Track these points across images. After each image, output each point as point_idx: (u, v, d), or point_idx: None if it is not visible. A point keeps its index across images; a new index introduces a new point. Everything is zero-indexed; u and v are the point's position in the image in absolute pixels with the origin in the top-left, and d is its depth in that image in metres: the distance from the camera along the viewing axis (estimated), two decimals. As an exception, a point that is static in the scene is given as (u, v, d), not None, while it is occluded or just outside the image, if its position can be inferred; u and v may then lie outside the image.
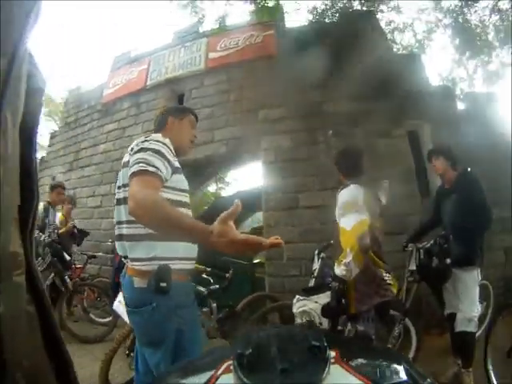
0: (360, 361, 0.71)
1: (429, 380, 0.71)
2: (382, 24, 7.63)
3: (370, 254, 2.38)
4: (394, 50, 8.07)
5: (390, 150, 4.58)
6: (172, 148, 1.70)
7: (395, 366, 0.72)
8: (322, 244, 3.78)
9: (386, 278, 2.42)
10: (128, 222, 1.65)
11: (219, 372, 0.65)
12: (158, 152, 1.61)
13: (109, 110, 7.68)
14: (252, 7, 6.47)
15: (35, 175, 0.65)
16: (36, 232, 4.82)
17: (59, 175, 8.03)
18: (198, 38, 6.68)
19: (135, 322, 1.73)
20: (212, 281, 3.78)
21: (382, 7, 8.45)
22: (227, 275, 3.82)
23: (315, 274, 3.53)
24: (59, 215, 5.45)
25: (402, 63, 4.97)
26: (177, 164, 1.71)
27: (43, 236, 4.85)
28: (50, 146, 9.31)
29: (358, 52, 4.77)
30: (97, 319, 5.24)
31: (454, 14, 8.20)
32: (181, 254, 1.68)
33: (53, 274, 4.88)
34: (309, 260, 4.01)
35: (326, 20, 6.36)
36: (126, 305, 1.73)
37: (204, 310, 3.63)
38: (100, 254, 6.41)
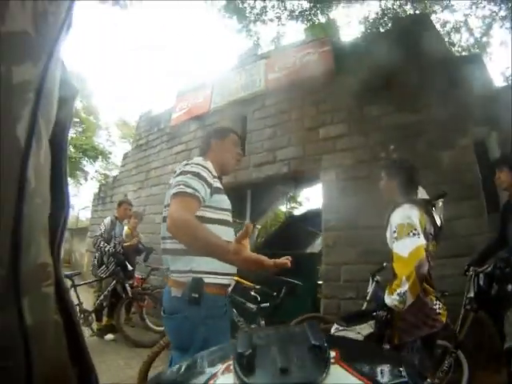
0: (360, 361, 0.68)
1: (429, 380, 0.69)
2: (438, 26, 7.22)
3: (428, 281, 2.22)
4: (453, 51, 7.64)
5: (454, 162, 4.27)
6: (212, 170, 1.84)
7: (395, 366, 0.69)
8: (377, 266, 3.61)
9: (436, 307, 2.22)
10: (170, 237, 1.78)
11: (219, 372, 0.64)
12: (197, 175, 1.76)
13: (177, 132, 8.13)
14: (305, 25, 6.55)
15: (65, 186, 0.65)
16: (102, 243, 5.17)
17: (130, 193, 8.65)
18: (257, 60, 6.88)
19: (168, 327, 1.91)
20: (259, 299, 3.81)
21: (435, 8, 8.00)
22: (275, 294, 3.82)
23: (368, 298, 3.43)
24: (126, 229, 5.80)
25: (462, 66, 4.64)
26: (217, 185, 1.85)
27: (108, 247, 5.19)
28: (122, 165, 10.12)
29: (416, 58, 4.59)
30: (152, 326, 5.50)
31: (510, 4, 7.46)
32: (216, 269, 1.77)
33: (114, 282, 5.19)
34: (366, 282, 3.84)
35: (380, 29, 6.23)
36: (163, 311, 1.89)
37: (252, 326, 3.66)
38: (163, 267, 6.66)
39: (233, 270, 1.86)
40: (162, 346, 3.19)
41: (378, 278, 3.43)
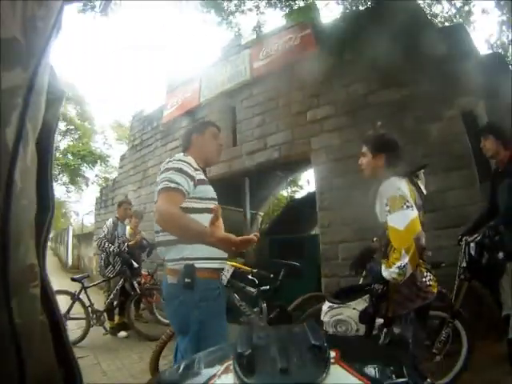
0: (360, 361, 0.72)
1: (428, 380, 0.76)
2: None
3: None
4: (436, 23, 7.53)
5: (442, 134, 4.28)
6: (193, 163, 2.00)
7: (395, 366, 0.73)
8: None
9: (427, 278, 2.23)
10: (162, 230, 1.97)
11: (219, 372, 0.65)
12: (179, 170, 1.93)
13: (169, 129, 8.21)
14: (284, 12, 6.54)
15: (51, 187, 0.65)
16: (106, 244, 5.31)
17: (130, 193, 8.76)
18: (241, 51, 6.90)
19: (168, 313, 2.07)
20: (258, 282, 3.93)
21: None
22: (272, 276, 3.93)
23: (364, 273, 3.41)
24: (128, 228, 5.94)
25: (446, 37, 4.61)
26: (200, 177, 2.00)
27: (112, 247, 5.33)
28: (120, 167, 10.22)
29: (398, 34, 4.54)
30: (163, 320, 5.61)
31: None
32: (206, 255, 1.91)
33: (122, 280, 5.33)
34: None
35: (360, 7, 6.17)
36: (163, 299, 2.07)
37: (255, 309, 3.77)
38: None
39: (223, 254, 1.98)
40: (169, 335, 3.30)
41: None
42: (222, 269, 2.07)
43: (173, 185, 1.85)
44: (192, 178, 1.93)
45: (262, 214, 12.08)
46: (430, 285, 2.22)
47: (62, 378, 0.62)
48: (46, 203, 0.62)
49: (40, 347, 0.57)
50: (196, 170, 1.99)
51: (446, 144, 4.26)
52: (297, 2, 6.52)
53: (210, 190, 2.07)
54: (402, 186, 2.15)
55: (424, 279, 2.21)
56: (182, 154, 2.14)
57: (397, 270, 2.04)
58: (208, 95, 7.34)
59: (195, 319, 1.82)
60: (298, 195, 15.64)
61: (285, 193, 14.26)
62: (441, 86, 4.35)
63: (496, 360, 3.02)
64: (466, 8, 7.93)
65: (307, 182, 14.56)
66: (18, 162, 0.49)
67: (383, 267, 2.15)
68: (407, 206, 2.05)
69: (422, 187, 2.32)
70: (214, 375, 0.65)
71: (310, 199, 8.49)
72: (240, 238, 1.75)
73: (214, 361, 0.74)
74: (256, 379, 0.57)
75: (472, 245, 2.90)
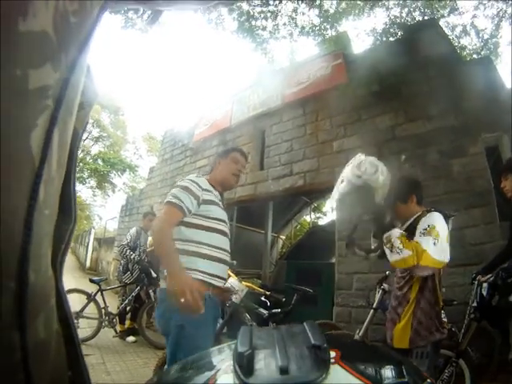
0: (360, 361, 0.72)
1: (428, 380, 0.72)
2: (447, 30, 7.08)
3: (436, 289, 2.27)
4: (464, 55, 7.43)
5: (465, 170, 4.25)
6: (203, 184, 2.14)
7: (395, 366, 0.73)
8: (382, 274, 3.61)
9: (443, 315, 2.30)
10: None
11: (219, 372, 0.65)
12: (184, 188, 2.07)
13: (199, 147, 8.42)
14: (317, 41, 6.71)
15: (74, 198, 0.62)
16: (128, 251, 5.48)
17: (156, 205, 8.91)
18: (273, 76, 7.04)
19: (156, 315, 2.17)
20: (269, 304, 3.98)
21: (442, 11, 7.81)
22: (283, 300, 3.98)
23: (375, 306, 3.44)
24: (150, 239, 6.09)
25: (472, 70, 4.61)
26: (208, 197, 2.13)
27: (134, 255, 5.50)
28: (148, 179, 10.51)
29: (427, 65, 4.61)
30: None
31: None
32: (198, 267, 2.00)
33: (138, 288, 5.47)
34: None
35: (390, 38, 6.26)
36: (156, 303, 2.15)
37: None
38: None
39: (217, 271, 2.09)
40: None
41: (384, 286, 3.42)
42: (213, 284, 2.07)
43: (175, 200, 2.01)
44: (197, 197, 2.06)
45: (283, 237, 12.09)
46: (445, 321, 2.32)
47: (70, 381, 0.60)
48: (67, 214, 0.59)
49: (55, 356, 0.54)
50: (205, 190, 2.13)
51: (469, 180, 4.21)
52: (329, 31, 6.69)
53: (218, 211, 2.18)
54: (443, 224, 2.23)
55: (443, 315, 2.28)
56: (194, 174, 2.32)
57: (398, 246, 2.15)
58: (239, 118, 7.50)
59: (175, 323, 1.90)
60: (321, 222, 15.66)
61: (308, 218, 14.23)
62: (466, 120, 4.34)
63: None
64: (494, 40, 7.89)
65: (331, 210, 14.47)
66: (43, 170, 0.45)
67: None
68: (435, 243, 2.12)
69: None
70: (214, 375, 0.64)
71: (332, 227, 8.49)
72: (194, 296, 1.80)
73: (213, 361, 0.76)
74: (256, 379, 0.57)
75: (484, 285, 2.88)
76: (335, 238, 5.42)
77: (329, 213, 16.07)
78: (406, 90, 4.97)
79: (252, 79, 7.81)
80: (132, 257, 5.52)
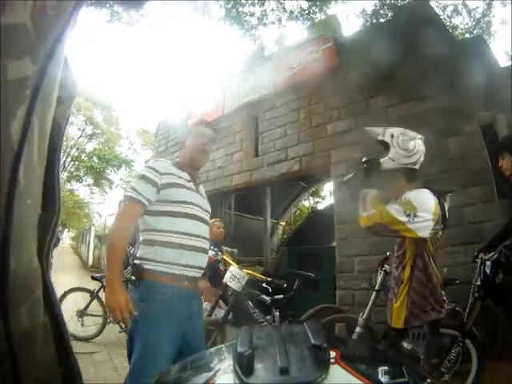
0: (360, 361, 0.73)
1: (428, 380, 0.73)
2: (438, 10, 6.99)
3: (433, 266, 2.24)
4: (456, 35, 7.35)
5: (461, 149, 4.25)
6: (161, 168, 2.00)
7: (395, 366, 0.73)
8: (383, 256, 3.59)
9: (442, 293, 2.25)
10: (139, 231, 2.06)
11: (219, 372, 0.65)
12: (142, 177, 1.98)
13: (193, 137, 8.30)
14: (306, 25, 6.64)
15: (58, 188, 0.62)
16: (132, 248, 5.47)
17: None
18: (263, 63, 7.02)
19: None
20: (271, 290, 3.99)
21: None
22: (285, 285, 3.99)
23: (377, 287, 3.44)
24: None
25: (465, 50, 4.58)
26: (169, 180, 1.99)
27: (132, 249, 5.49)
28: None
29: (419, 47, 4.56)
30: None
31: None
32: (164, 259, 1.91)
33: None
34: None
35: (381, 20, 6.19)
36: None
37: (267, 317, 3.83)
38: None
39: (188, 261, 1.96)
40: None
41: (386, 267, 3.42)
42: (178, 275, 1.94)
43: (132, 193, 1.92)
44: (155, 183, 1.95)
45: (283, 223, 12.10)
46: (444, 300, 2.25)
47: (61, 376, 0.61)
48: (51, 205, 0.60)
49: (42, 348, 0.55)
50: (164, 174, 1.99)
51: (465, 159, 4.21)
52: (318, 15, 6.62)
53: (182, 193, 2.03)
54: (430, 200, 2.18)
55: (440, 293, 2.24)
56: (153, 160, 2.23)
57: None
58: (231, 106, 7.46)
59: (133, 317, 1.84)
60: (320, 206, 15.67)
61: (307, 203, 14.25)
62: (460, 99, 4.31)
63: (509, 381, 2.92)
64: (486, 19, 7.84)
65: (329, 193, 14.53)
66: (22, 158, 0.46)
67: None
68: (408, 215, 2.09)
69: (446, 208, 2.35)
70: (214, 375, 0.65)
71: (330, 211, 8.50)
72: (121, 313, 1.77)
73: (213, 361, 0.75)
74: (256, 379, 0.58)
75: (488, 263, 2.85)
76: (334, 221, 5.42)
77: (327, 197, 16.15)
78: (398, 72, 4.92)
79: (242, 67, 7.73)
80: (131, 251, 5.50)
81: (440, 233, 2.33)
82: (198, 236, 2.03)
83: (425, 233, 2.14)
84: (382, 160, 2.34)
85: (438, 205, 2.23)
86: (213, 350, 0.87)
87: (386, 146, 2.36)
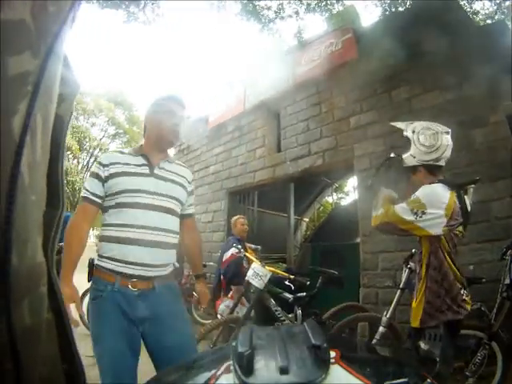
0: (360, 361, 0.72)
1: (428, 380, 0.71)
2: None
3: (451, 264, 2.15)
4: (477, 21, 7.07)
5: (487, 140, 4.05)
6: (105, 159, 1.91)
7: (395, 366, 0.73)
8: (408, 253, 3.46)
9: (462, 292, 2.14)
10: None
11: (219, 372, 0.65)
12: (91, 174, 1.92)
13: (215, 135, 8.38)
14: (324, 16, 6.51)
15: (62, 184, 0.63)
16: None
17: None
18: (283, 57, 6.94)
19: None
20: (294, 288, 3.92)
21: None
22: (308, 283, 3.92)
23: (401, 286, 3.34)
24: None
25: (488, 36, 4.34)
26: (112, 171, 1.86)
27: None
28: None
29: (440, 35, 4.31)
30: (200, 320, 5.73)
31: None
32: (104, 253, 1.83)
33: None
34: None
35: (400, 8, 5.99)
36: None
37: (290, 315, 3.78)
38: (211, 263, 6.99)
39: (125, 255, 1.79)
40: (202, 333, 3.39)
41: (411, 265, 3.30)
42: (123, 273, 1.79)
43: (83, 192, 1.89)
44: (100, 178, 1.86)
45: (306, 220, 12.01)
46: (464, 300, 2.15)
47: (64, 375, 0.61)
48: (56, 200, 0.61)
49: (45, 346, 0.55)
50: (108, 165, 1.88)
51: (491, 151, 4.02)
52: (336, 6, 6.48)
53: (127, 181, 1.86)
54: (443, 194, 2.12)
55: (458, 292, 2.14)
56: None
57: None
58: (252, 102, 7.42)
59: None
60: (344, 202, 15.50)
61: (330, 199, 14.10)
62: (484, 88, 4.07)
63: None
64: (507, 3, 7.51)
65: (353, 189, 14.36)
66: (24, 153, 0.46)
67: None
68: (415, 213, 2.06)
69: (468, 202, 2.25)
70: (214, 375, 0.64)
71: (354, 206, 8.37)
72: (68, 293, 1.68)
73: (213, 361, 0.74)
74: (256, 379, 0.57)
75: None
76: (358, 217, 5.30)
77: (351, 192, 15.95)
78: (419, 61, 4.74)
79: (262, 62, 7.68)
80: None
81: (460, 228, 2.23)
82: (145, 227, 1.81)
83: (437, 230, 2.08)
84: (404, 156, 2.31)
85: (456, 198, 2.15)
86: (213, 349, 0.90)
87: (410, 142, 2.32)
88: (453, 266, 2.15)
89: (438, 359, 2.13)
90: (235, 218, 5.42)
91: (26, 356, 0.47)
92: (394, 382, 0.63)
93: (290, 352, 0.62)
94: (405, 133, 2.35)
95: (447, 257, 2.15)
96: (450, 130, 2.35)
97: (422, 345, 2.21)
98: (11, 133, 0.44)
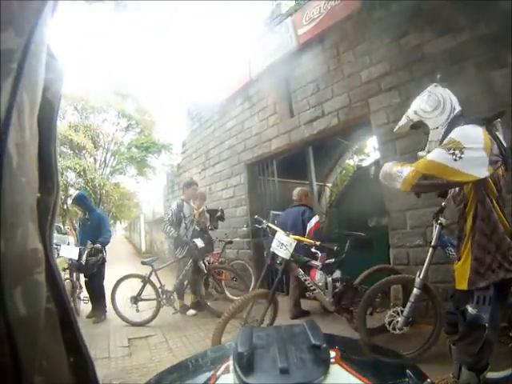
0: (360, 361, 0.72)
1: (429, 380, 0.71)
2: None
3: (500, 214, 1.93)
4: None
5: (509, 82, 3.64)
6: None
7: (395, 366, 0.74)
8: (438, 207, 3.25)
9: None
10: None
11: (219, 372, 0.66)
12: None
13: (225, 109, 8.28)
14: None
15: (55, 168, 0.62)
16: (168, 228, 5.58)
17: (195, 176, 9.00)
18: (283, 19, 6.67)
19: None
20: (320, 254, 3.82)
21: None
22: (336, 248, 3.82)
23: (433, 243, 3.15)
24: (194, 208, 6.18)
25: None
26: None
27: (172, 231, 5.55)
28: (183, 152, 10.63)
29: None
30: (232, 297, 5.78)
31: None
32: None
33: (191, 261, 5.56)
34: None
35: None
36: None
37: (319, 284, 3.70)
38: (237, 239, 7.01)
39: None
40: (232, 311, 3.33)
41: (441, 220, 3.12)
42: None
43: None
44: None
45: (329, 185, 11.84)
46: None
47: (71, 367, 0.60)
48: (50, 185, 0.60)
49: (47, 336, 0.54)
50: None
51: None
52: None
53: None
54: (477, 134, 1.89)
55: (510, 247, 1.92)
56: None
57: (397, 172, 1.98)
58: (258, 69, 7.23)
59: None
60: (365, 163, 15.17)
61: (351, 162, 13.84)
62: (499, 26, 3.72)
63: None
64: None
65: (373, 149, 14.06)
66: (11, 131, 0.45)
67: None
68: (452, 153, 1.82)
69: (501, 138, 2.01)
70: (214, 375, 0.65)
71: (377, 166, 8.14)
72: None
73: (214, 361, 0.74)
74: (256, 379, 0.57)
75: None
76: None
77: (371, 153, 15.60)
78: (426, 4, 4.41)
79: (262, 28, 7.42)
80: (171, 234, 5.56)
81: (503, 168, 2.02)
82: None
83: (481, 170, 1.81)
84: (429, 138, 2.17)
85: (489, 135, 1.92)
86: (213, 349, 0.87)
87: (421, 125, 2.22)
88: (502, 215, 1.94)
89: (487, 325, 1.92)
90: (298, 188, 5.69)
91: (24, 347, 0.46)
92: (394, 381, 0.64)
93: (290, 352, 0.63)
94: (410, 121, 2.26)
95: (495, 205, 1.93)
96: (437, 83, 2.28)
97: (470, 309, 1.98)
98: None
